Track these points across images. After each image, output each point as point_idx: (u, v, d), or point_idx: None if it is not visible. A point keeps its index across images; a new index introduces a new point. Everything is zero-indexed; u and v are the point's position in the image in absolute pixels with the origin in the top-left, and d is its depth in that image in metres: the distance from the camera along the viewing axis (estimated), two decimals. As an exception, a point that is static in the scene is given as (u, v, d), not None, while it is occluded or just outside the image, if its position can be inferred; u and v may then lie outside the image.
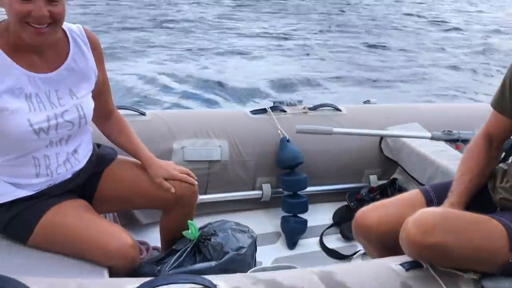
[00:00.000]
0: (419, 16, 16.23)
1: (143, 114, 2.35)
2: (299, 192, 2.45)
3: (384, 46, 11.31)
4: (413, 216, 1.28)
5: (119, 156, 1.75)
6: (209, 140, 2.38)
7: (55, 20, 1.34)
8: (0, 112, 1.37)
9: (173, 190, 1.64)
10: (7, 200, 1.47)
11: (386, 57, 10.51)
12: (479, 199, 1.53)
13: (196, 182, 1.72)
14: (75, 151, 1.57)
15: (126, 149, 1.74)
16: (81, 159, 1.60)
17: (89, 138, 1.66)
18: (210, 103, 6.62)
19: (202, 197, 2.34)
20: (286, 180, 2.43)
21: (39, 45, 1.41)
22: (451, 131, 2.33)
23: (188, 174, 1.71)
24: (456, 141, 2.32)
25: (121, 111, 2.27)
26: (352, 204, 2.48)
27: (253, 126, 2.48)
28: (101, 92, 1.63)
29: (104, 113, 1.70)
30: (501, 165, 1.59)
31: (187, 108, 5.91)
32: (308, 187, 2.46)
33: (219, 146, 2.37)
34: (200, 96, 6.88)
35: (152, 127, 2.31)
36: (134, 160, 1.74)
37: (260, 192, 2.48)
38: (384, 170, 2.58)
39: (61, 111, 1.46)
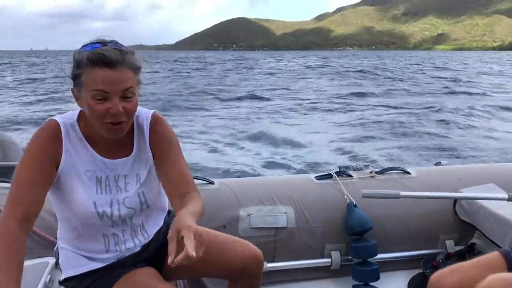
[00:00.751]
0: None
1: (211, 183, 2.42)
2: (369, 260, 2.36)
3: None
4: (482, 282, 1.19)
5: None
6: (275, 206, 2.38)
7: (129, 116, 1.41)
8: (72, 192, 1.46)
9: (171, 258, 1.25)
10: (83, 272, 1.57)
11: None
12: None
13: (198, 255, 1.26)
14: (142, 226, 1.60)
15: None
16: (150, 232, 1.63)
17: (160, 214, 1.69)
18: (276, 169, 6.87)
19: (269, 265, 2.32)
20: (355, 246, 2.35)
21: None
22: (530, 191, 2.16)
23: (200, 241, 1.28)
24: (538, 202, 2.13)
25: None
26: (428, 271, 2.32)
27: (319, 192, 2.46)
28: (173, 175, 1.54)
29: (179, 195, 1.55)
30: None
31: (254, 175, 6.12)
32: (379, 254, 2.36)
33: (285, 212, 2.37)
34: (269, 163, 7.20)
35: (220, 195, 2.36)
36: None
37: (329, 259, 2.41)
38: (461, 234, 2.41)
39: (123, 197, 1.51)
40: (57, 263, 1.75)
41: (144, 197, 1.54)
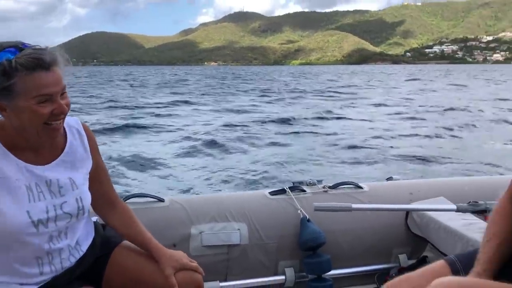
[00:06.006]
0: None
1: (161, 200, 2.29)
2: (323, 275, 2.31)
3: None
4: (429, 286, 1.20)
5: (124, 241, 1.70)
6: (228, 223, 2.29)
7: (67, 111, 1.40)
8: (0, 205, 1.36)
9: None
10: None
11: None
12: (509, 268, 1.42)
13: (203, 273, 1.65)
14: (77, 243, 1.54)
15: (134, 240, 1.68)
16: (83, 247, 1.58)
17: (90, 225, 1.65)
18: (228, 187, 6.80)
19: (222, 284, 2.25)
20: (309, 262, 2.30)
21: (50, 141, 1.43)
22: (477, 202, 2.28)
23: (196, 269, 1.66)
24: (483, 212, 2.26)
25: (140, 199, 2.27)
26: (381, 286, 2.34)
27: (272, 207, 2.39)
28: (100, 181, 1.64)
29: (106, 202, 1.68)
30: None
31: (206, 193, 5.98)
32: (334, 269, 2.33)
33: (238, 229, 2.28)
34: (219, 180, 7.09)
35: (170, 213, 2.25)
36: (138, 248, 1.68)
37: (283, 277, 2.35)
38: (413, 248, 2.48)
39: (61, 202, 1.45)
40: None
41: (82, 202, 1.50)
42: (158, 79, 63.90)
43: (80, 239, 1.56)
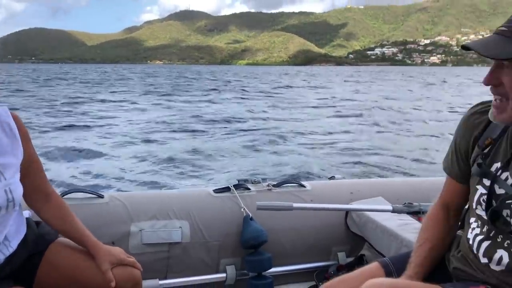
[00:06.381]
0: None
1: (101, 196, 2.23)
2: (264, 273, 2.34)
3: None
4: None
5: (59, 238, 1.65)
6: (169, 221, 2.26)
7: None
8: None
9: (113, 284, 1.55)
10: None
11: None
12: (438, 270, 1.50)
13: (141, 269, 1.65)
14: (5, 238, 1.47)
15: (70, 235, 1.64)
16: (13, 243, 1.51)
17: (21, 220, 1.57)
18: (173, 183, 6.67)
19: (162, 282, 2.22)
20: (250, 260, 2.32)
21: None
22: (412, 204, 2.37)
23: (134, 264, 1.65)
24: (417, 213, 2.35)
25: (78, 194, 2.20)
26: (320, 283, 2.39)
27: (216, 205, 2.39)
28: (32, 172, 1.58)
29: (40, 196, 1.63)
30: (458, 232, 1.55)
31: (148, 189, 5.83)
32: (274, 267, 2.36)
33: (180, 227, 2.26)
34: (162, 177, 6.95)
35: (110, 210, 2.19)
36: (73, 244, 1.64)
37: (224, 274, 2.35)
38: (352, 246, 2.55)
39: None
40: None
41: (12, 194, 1.43)
42: (99, 77, 62.05)
43: (9, 234, 1.49)
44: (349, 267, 2.41)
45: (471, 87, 40.86)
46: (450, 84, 44.61)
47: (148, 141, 10.95)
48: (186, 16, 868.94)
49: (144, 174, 7.40)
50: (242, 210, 2.36)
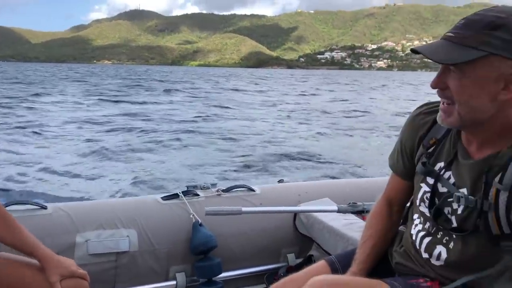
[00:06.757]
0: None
1: (44, 207, 2.17)
2: (214, 279, 2.34)
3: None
4: (305, 285, 1.30)
5: (1, 253, 1.58)
6: (117, 230, 2.22)
7: None
8: None
9: None
10: None
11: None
12: (381, 265, 1.55)
13: (88, 280, 1.61)
14: None
15: (19, 248, 1.55)
16: None
17: None
18: (120, 191, 6.43)
19: None
20: (200, 266, 2.31)
21: None
22: (356, 203, 2.45)
23: (84, 277, 1.60)
24: (361, 212, 2.44)
25: (20, 206, 2.13)
26: (270, 286, 2.42)
27: (164, 213, 2.36)
28: None
29: None
30: (401, 228, 1.60)
31: (94, 198, 5.59)
32: (224, 272, 2.37)
33: (127, 236, 2.23)
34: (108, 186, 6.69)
35: (54, 221, 2.13)
36: (18, 257, 1.57)
37: (174, 282, 2.33)
38: (300, 247, 2.58)
39: None
40: None
41: None
42: (40, 76, 59.22)
43: None
44: (298, 268, 2.44)
45: (406, 91, 42.75)
46: (389, 88, 46.24)
47: (90, 146, 10.43)
48: (136, 16, 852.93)
49: (88, 182, 7.13)
50: (191, 216, 2.35)
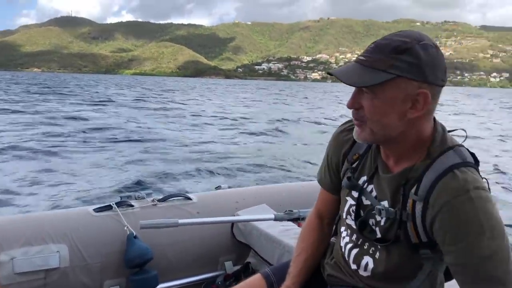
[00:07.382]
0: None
1: None
2: (150, 291, 2.27)
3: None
4: None
5: None
6: (45, 246, 2.11)
7: None
8: None
9: None
10: None
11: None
12: (313, 278, 1.59)
13: None
14: None
15: None
16: None
17: None
18: (48, 204, 5.96)
19: None
20: (135, 279, 2.24)
21: None
22: (292, 211, 2.48)
23: None
24: (297, 220, 2.48)
25: None
26: (207, 296, 2.41)
27: (97, 225, 2.28)
28: None
29: None
30: (332, 239, 1.63)
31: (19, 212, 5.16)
32: (161, 283, 2.31)
33: (57, 251, 2.12)
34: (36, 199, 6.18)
35: None
36: None
37: None
38: (238, 255, 2.57)
39: None
40: None
41: None
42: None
43: None
44: (236, 276, 2.47)
45: (324, 101, 44.18)
46: (309, 100, 47.86)
47: (12, 155, 9.77)
48: (68, 23, 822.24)
49: (11, 195, 6.63)
50: (125, 228, 2.28)
